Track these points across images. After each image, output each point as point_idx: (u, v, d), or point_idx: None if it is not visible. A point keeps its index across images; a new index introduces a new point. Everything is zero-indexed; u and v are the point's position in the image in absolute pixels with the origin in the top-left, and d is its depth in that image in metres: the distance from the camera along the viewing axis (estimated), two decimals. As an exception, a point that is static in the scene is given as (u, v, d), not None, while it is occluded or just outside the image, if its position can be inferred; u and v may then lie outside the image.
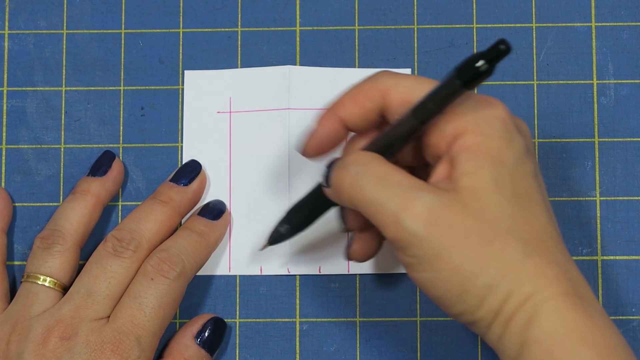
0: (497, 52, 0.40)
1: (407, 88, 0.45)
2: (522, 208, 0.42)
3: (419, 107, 0.43)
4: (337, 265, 0.55)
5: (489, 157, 0.42)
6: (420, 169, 0.48)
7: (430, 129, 0.44)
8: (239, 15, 0.57)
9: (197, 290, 0.55)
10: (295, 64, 0.56)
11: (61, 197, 0.55)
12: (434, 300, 0.43)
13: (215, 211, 0.54)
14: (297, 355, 0.54)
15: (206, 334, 0.52)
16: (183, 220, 0.54)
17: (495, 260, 0.41)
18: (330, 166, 0.46)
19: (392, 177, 0.43)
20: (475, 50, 0.56)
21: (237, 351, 0.54)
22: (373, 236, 0.50)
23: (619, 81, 0.55)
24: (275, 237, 0.51)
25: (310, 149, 0.48)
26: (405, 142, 0.45)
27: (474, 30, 0.56)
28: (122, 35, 0.57)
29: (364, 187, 0.43)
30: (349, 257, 0.51)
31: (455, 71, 0.41)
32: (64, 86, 0.56)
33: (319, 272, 0.55)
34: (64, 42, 0.57)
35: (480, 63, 0.41)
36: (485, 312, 0.42)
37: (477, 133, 0.43)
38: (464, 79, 0.41)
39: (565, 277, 0.42)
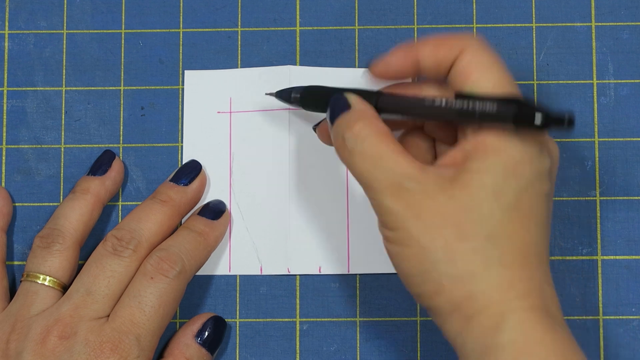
0: (559, 120, 0.41)
1: (478, 63, 0.44)
2: (516, 220, 0.43)
3: (464, 112, 0.43)
4: (337, 265, 0.55)
5: (501, 165, 0.43)
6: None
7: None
8: (239, 15, 0.57)
9: (197, 290, 0.54)
10: (295, 64, 0.56)
11: (61, 197, 0.55)
12: (400, 276, 0.44)
13: (215, 211, 0.54)
14: (297, 355, 0.54)
15: (207, 333, 0.52)
16: (183, 220, 0.54)
17: (464, 256, 0.42)
18: (334, 111, 0.46)
19: (385, 161, 0.44)
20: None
21: (237, 351, 0.54)
22: None
23: (619, 81, 0.55)
24: (284, 95, 0.52)
25: (377, 72, 0.48)
26: (429, 121, 0.46)
27: (474, 30, 0.56)
28: (122, 35, 0.57)
29: (356, 164, 0.44)
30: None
31: (514, 113, 0.42)
32: (64, 86, 0.56)
33: (319, 272, 0.55)
34: (64, 42, 0.57)
35: (538, 120, 0.41)
36: (444, 301, 0.42)
37: (503, 140, 0.43)
38: (517, 123, 0.42)
39: (537, 294, 0.42)
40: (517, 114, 0.42)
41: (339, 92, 0.48)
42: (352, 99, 0.47)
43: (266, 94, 0.54)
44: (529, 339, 0.41)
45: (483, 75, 0.44)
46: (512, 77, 0.44)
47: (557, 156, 0.46)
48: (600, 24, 0.56)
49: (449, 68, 0.46)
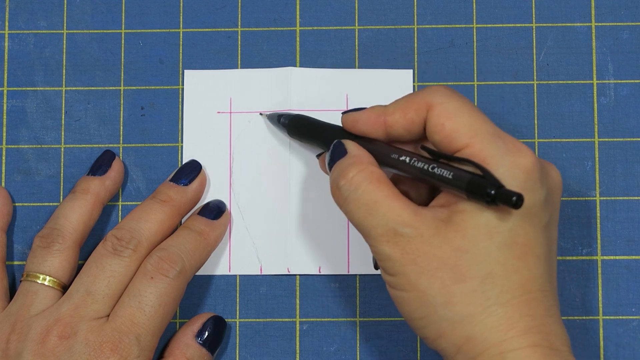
0: (508, 198, 0.41)
1: (447, 111, 0.45)
2: (515, 257, 0.43)
3: (425, 172, 0.44)
4: (337, 265, 0.55)
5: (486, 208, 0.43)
6: None
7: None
8: (239, 15, 0.57)
9: (197, 290, 0.54)
10: (296, 64, 0.56)
11: (61, 197, 0.55)
12: (405, 320, 0.45)
13: (215, 211, 0.54)
14: (297, 355, 0.54)
15: (207, 333, 0.52)
16: (183, 220, 0.54)
17: (461, 297, 0.42)
18: (332, 157, 0.47)
19: (379, 208, 0.44)
20: (475, 50, 0.56)
21: (237, 351, 0.54)
22: None
23: (619, 81, 0.55)
24: (275, 117, 0.54)
25: (346, 123, 0.49)
26: (405, 175, 0.46)
27: (474, 30, 0.56)
28: (122, 35, 0.57)
29: (352, 212, 0.45)
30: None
31: (468, 181, 0.42)
32: (64, 86, 0.56)
33: (319, 272, 0.55)
34: (64, 42, 0.57)
35: (490, 191, 0.41)
36: (446, 344, 0.43)
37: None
38: (470, 192, 0.42)
39: (538, 330, 0.42)
40: (469, 185, 0.42)
41: (322, 127, 0.50)
42: (349, 145, 0.47)
43: (260, 113, 0.55)
44: None
45: (455, 123, 0.44)
46: (484, 116, 0.44)
47: (557, 182, 0.46)
48: (600, 24, 0.56)
49: (422, 128, 0.46)
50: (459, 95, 0.45)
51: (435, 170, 0.43)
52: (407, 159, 0.45)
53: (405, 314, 0.44)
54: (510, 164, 0.43)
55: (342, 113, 0.49)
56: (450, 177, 0.43)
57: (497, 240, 0.42)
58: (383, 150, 0.47)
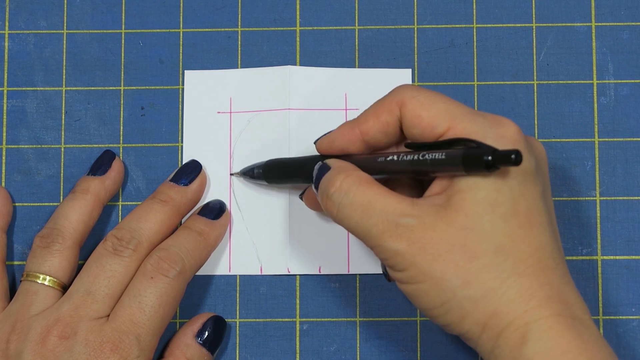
0: (507, 158, 0.40)
1: (420, 102, 0.45)
2: (520, 227, 0.42)
3: (416, 163, 0.44)
4: (337, 265, 0.55)
5: (484, 177, 0.42)
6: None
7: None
8: (239, 15, 0.57)
9: (197, 290, 0.54)
10: (295, 64, 0.56)
11: (61, 197, 0.55)
12: (422, 311, 0.44)
13: (215, 211, 0.54)
14: (297, 355, 0.54)
15: (207, 333, 0.52)
16: (183, 220, 0.54)
17: (479, 275, 0.42)
18: (318, 176, 0.47)
19: (374, 206, 0.44)
20: (475, 50, 0.56)
21: (237, 351, 0.54)
22: None
23: (619, 81, 0.55)
24: (248, 172, 0.54)
25: (322, 148, 0.49)
26: (398, 175, 0.46)
27: (474, 30, 0.56)
28: (122, 35, 0.57)
29: (349, 218, 0.44)
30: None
31: (462, 155, 0.42)
32: (64, 86, 0.56)
33: (319, 272, 0.55)
34: (64, 42, 0.57)
35: (487, 157, 0.41)
36: (470, 325, 0.43)
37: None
38: (467, 165, 0.42)
39: (558, 299, 0.42)
40: (465, 159, 0.42)
41: (296, 162, 0.50)
42: (331, 161, 0.47)
43: (231, 174, 0.55)
44: (554, 351, 0.41)
45: (432, 111, 0.44)
46: (457, 102, 0.44)
47: (542, 153, 0.46)
48: (600, 24, 0.56)
49: (397, 131, 0.46)
50: (427, 89, 0.46)
51: (427, 156, 0.43)
52: (395, 157, 0.45)
53: (424, 305, 0.44)
54: (495, 136, 0.43)
55: (315, 142, 0.49)
56: (443, 157, 0.42)
57: (500, 212, 0.42)
58: (366, 159, 0.47)
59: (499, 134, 0.43)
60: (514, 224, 0.42)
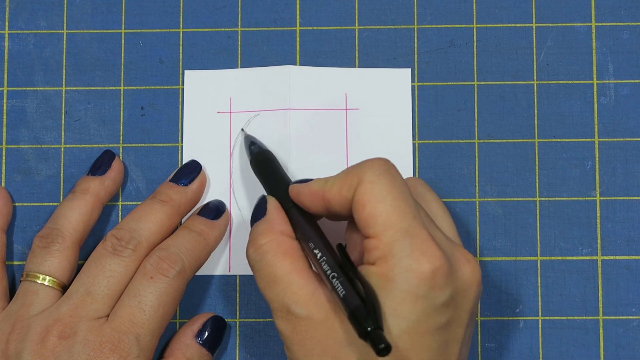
0: (375, 345, 0.41)
1: (371, 191, 0.44)
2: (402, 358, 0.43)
3: (327, 277, 0.45)
4: (337, 265, 0.55)
5: (399, 293, 0.43)
6: None
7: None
8: (239, 15, 0.57)
9: (197, 290, 0.54)
10: (295, 64, 0.56)
11: (61, 197, 0.55)
12: None
13: (215, 211, 0.54)
14: (297, 355, 0.54)
15: (207, 333, 0.52)
16: (183, 220, 0.54)
17: None
18: (254, 216, 0.49)
19: (278, 283, 0.45)
20: (475, 50, 0.56)
21: (237, 351, 0.54)
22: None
23: (619, 81, 0.55)
24: (249, 143, 0.54)
25: (292, 195, 0.49)
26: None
27: (474, 30, 0.56)
28: (122, 35, 0.57)
29: (257, 281, 0.47)
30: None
31: (351, 311, 0.42)
32: (64, 86, 0.56)
33: (319, 272, 0.55)
34: (64, 42, 0.57)
35: (365, 328, 0.42)
36: None
37: (389, 280, 0.43)
38: (350, 319, 0.42)
39: None
40: (351, 315, 0.42)
41: (276, 176, 0.51)
42: (270, 205, 0.49)
43: (242, 128, 0.55)
44: None
45: (375, 207, 0.44)
46: (408, 204, 0.44)
47: (470, 281, 0.45)
48: (600, 24, 0.56)
49: (329, 211, 0.47)
50: (392, 176, 0.45)
51: (334, 281, 0.44)
52: (319, 254, 0.46)
53: None
54: (406, 268, 0.43)
55: (291, 183, 0.49)
56: (341, 295, 0.43)
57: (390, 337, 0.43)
58: (306, 229, 0.47)
59: (410, 267, 0.43)
60: (396, 354, 0.43)
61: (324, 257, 0.45)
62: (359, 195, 0.45)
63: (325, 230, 0.48)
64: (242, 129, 0.55)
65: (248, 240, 0.48)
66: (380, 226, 0.44)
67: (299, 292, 0.45)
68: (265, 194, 0.51)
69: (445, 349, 0.44)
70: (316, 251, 0.46)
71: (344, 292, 0.43)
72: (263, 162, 0.52)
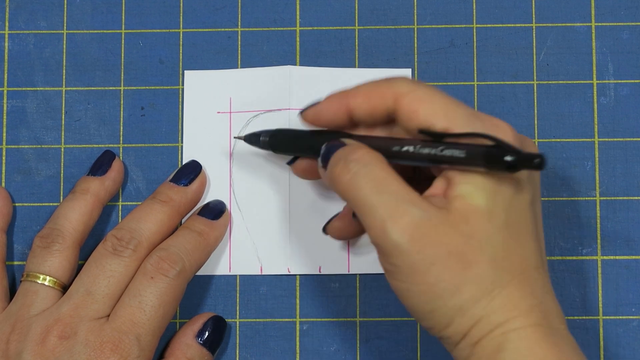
0: (529, 162, 0.41)
1: (419, 99, 0.44)
2: (511, 237, 0.43)
3: (432, 157, 0.43)
4: (337, 265, 0.55)
5: (482, 184, 0.43)
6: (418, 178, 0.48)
7: None
8: (239, 15, 0.57)
9: (197, 290, 0.54)
10: (295, 64, 0.56)
11: (61, 197, 0.55)
12: (407, 308, 0.44)
13: (215, 211, 0.54)
14: (297, 355, 0.54)
15: (207, 333, 0.52)
16: (183, 220, 0.54)
17: (470, 284, 0.42)
18: (330, 150, 0.46)
19: (388, 185, 0.43)
20: (475, 50, 0.56)
21: (237, 351, 0.54)
22: (356, 222, 0.50)
23: (619, 81, 0.56)
24: (252, 138, 0.52)
25: (308, 119, 0.48)
26: (410, 164, 0.45)
27: (474, 30, 0.56)
28: (122, 35, 0.57)
29: (360, 188, 0.43)
30: (326, 231, 0.53)
31: (484, 154, 0.41)
32: (64, 86, 0.56)
33: (319, 272, 0.55)
34: (64, 42, 0.57)
35: (509, 158, 0.41)
36: (453, 332, 0.43)
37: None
38: (489, 164, 0.41)
39: (539, 309, 0.42)
40: (487, 158, 0.41)
41: (307, 134, 0.49)
42: (346, 140, 0.47)
43: (234, 137, 0.55)
44: (529, 359, 0.41)
45: (429, 108, 0.44)
46: (455, 99, 0.44)
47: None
48: (600, 24, 0.56)
49: (384, 116, 0.46)
50: (424, 83, 0.45)
51: (445, 152, 0.43)
52: (411, 148, 0.44)
53: (412, 306, 0.43)
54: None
55: (300, 113, 0.48)
56: (463, 155, 0.42)
57: (496, 223, 0.42)
58: (382, 143, 0.46)
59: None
60: (506, 236, 0.43)
61: (419, 145, 0.44)
62: (407, 105, 0.44)
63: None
64: (235, 137, 0.55)
65: (335, 160, 0.45)
66: (443, 119, 0.43)
67: (413, 195, 0.43)
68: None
69: (538, 225, 0.45)
70: (406, 148, 0.44)
71: (463, 151, 0.42)
72: (285, 137, 0.51)
